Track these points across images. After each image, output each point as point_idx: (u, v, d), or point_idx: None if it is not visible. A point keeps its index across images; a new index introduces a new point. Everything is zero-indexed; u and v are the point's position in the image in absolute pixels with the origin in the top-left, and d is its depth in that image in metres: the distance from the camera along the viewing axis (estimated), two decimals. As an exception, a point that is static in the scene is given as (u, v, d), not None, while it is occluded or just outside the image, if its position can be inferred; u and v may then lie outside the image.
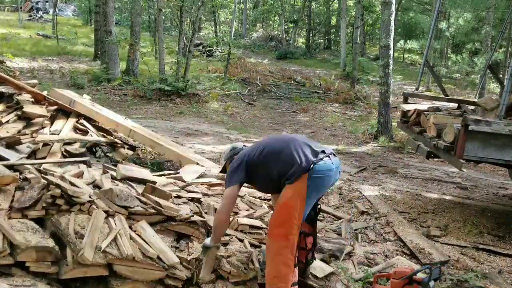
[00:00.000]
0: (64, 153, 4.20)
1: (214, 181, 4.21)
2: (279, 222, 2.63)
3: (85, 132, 4.80)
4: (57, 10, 23.01)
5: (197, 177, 4.22)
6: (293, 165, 2.62)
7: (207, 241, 2.73)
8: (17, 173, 2.94)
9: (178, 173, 4.31)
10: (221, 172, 3.14)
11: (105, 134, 5.03)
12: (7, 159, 3.33)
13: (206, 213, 3.35)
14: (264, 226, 3.39)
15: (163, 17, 17.89)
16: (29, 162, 3.43)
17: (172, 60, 14.42)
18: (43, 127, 4.52)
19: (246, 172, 2.73)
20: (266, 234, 3.05)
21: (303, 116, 12.18)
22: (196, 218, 3.10)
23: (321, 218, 4.39)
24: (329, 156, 2.72)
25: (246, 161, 2.75)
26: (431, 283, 2.59)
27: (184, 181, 3.98)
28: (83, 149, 4.41)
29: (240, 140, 8.24)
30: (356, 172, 6.41)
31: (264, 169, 2.72)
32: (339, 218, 4.41)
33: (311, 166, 2.60)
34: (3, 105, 4.56)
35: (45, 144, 4.18)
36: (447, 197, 5.50)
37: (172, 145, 5.25)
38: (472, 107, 5.35)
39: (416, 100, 5.83)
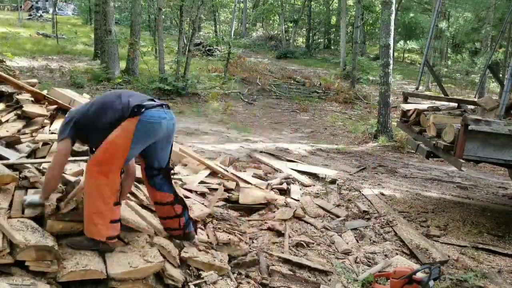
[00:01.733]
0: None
1: (213, 186, 4.23)
2: (101, 160, 2.62)
3: (85, 132, 4.79)
4: (57, 9, 23.00)
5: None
6: (123, 109, 2.62)
7: (35, 197, 2.63)
8: (17, 173, 2.94)
9: (175, 173, 4.32)
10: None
11: (105, 134, 5.03)
12: (7, 159, 3.32)
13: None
14: None
15: (163, 16, 17.88)
16: (29, 162, 3.43)
17: (172, 60, 14.42)
18: (43, 127, 4.52)
19: (76, 128, 2.66)
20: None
21: (303, 116, 12.18)
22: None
23: (320, 217, 4.39)
24: (162, 106, 2.73)
25: (76, 117, 2.68)
26: (431, 283, 2.59)
27: (182, 181, 3.99)
28: (82, 149, 4.40)
29: (240, 140, 8.24)
30: (356, 171, 6.41)
31: (96, 122, 2.66)
32: (338, 216, 4.42)
33: (142, 110, 2.60)
34: (3, 104, 4.56)
35: (45, 144, 4.17)
36: (447, 197, 5.50)
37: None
38: (472, 106, 5.35)
39: (416, 99, 5.83)
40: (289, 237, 3.69)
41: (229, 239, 3.20)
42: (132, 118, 2.59)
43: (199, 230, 3.24)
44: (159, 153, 2.86)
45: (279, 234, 3.70)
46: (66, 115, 2.76)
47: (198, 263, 2.84)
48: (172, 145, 2.92)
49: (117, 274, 2.43)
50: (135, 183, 3.51)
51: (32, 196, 2.66)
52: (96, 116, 2.66)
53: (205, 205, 3.73)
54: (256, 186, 4.59)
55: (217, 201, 4.02)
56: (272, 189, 4.77)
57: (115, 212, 2.67)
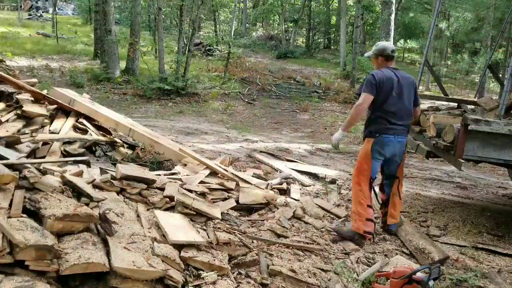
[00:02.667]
0: (64, 153, 4.20)
1: (213, 186, 4.23)
2: (357, 172, 3.81)
3: (84, 131, 4.80)
4: (56, 9, 22.98)
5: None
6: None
7: (338, 134, 3.80)
8: (17, 172, 2.94)
9: (175, 172, 4.32)
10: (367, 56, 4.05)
11: (104, 133, 5.03)
12: (6, 158, 3.32)
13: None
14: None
15: (163, 16, 17.88)
16: (29, 161, 3.43)
17: (172, 59, 14.42)
18: (42, 126, 4.52)
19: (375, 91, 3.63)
20: None
21: (303, 116, 12.18)
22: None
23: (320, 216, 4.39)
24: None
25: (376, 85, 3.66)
26: (431, 283, 2.59)
27: (182, 181, 3.99)
28: (82, 149, 4.41)
29: (240, 140, 8.24)
30: (356, 171, 6.41)
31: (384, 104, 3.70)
32: (338, 217, 4.42)
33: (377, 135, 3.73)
34: (3, 104, 4.56)
35: (45, 143, 4.18)
36: (447, 197, 5.50)
37: (172, 144, 5.25)
38: (472, 106, 5.35)
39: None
40: (289, 237, 3.69)
41: (229, 239, 3.19)
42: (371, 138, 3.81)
43: (199, 230, 3.25)
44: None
45: (279, 234, 3.70)
46: (376, 76, 3.71)
47: (198, 262, 2.83)
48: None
49: (120, 268, 2.44)
50: (133, 182, 3.51)
51: (337, 134, 3.80)
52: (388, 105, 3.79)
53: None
54: (256, 186, 4.59)
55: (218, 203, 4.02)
56: (272, 189, 4.77)
57: (370, 213, 3.76)
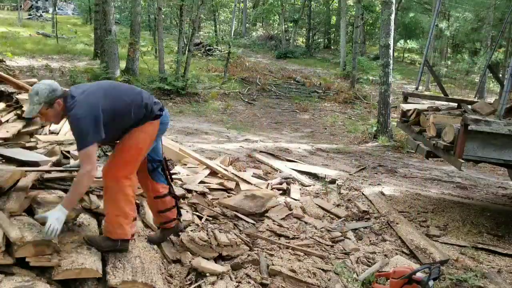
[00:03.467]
0: (64, 153, 4.20)
1: (213, 185, 4.23)
2: (125, 163, 2.62)
3: (84, 131, 4.79)
4: (56, 9, 22.97)
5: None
6: (146, 109, 2.66)
7: (61, 210, 2.38)
8: (24, 169, 2.95)
9: (175, 172, 4.32)
10: (29, 117, 2.59)
11: (104, 133, 5.03)
12: (28, 163, 3.22)
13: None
14: None
15: (163, 16, 17.87)
16: (40, 169, 3.40)
17: (172, 59, 14.42)
18: (42, 126, 4.52)
19: (102, 128, 2.46)
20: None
21: (303, 115, 12.18)
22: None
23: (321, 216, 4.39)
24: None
25: (98, 116, 2.43)
26: (430, 283, 2.59)
27: (182, 181, 3.99)
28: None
29: (239, 139, 8.23)
30: (356, 171, 6.41)
31: (119, 121, 2.58)
32: (338, 217, 4.42)
33: (163, 113, 2.78)
34: (3, 104, 4.55)
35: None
36: (447, 197, 5.50)
37: (172, 144, 5.25)
38: (469, 106, 5.34)
39: (416, 99, 5.83)
40: (289, 237, 3.70)
41: (229, 240, 3.20)
42: (154, 120, 2.70)
43: (199, 228, 3.25)
44: (158, 146, 2.96)
45: (279, 234, 3.70)
46: (86, 110, 2.40)
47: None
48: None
49: (118, 282, 2.40)
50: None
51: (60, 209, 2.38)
52: (121, 114, 2.56)
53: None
54: (256, 186, 4.59)
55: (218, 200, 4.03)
56: (272, 189, 4.77)
57: (134, 210, 2.73)
